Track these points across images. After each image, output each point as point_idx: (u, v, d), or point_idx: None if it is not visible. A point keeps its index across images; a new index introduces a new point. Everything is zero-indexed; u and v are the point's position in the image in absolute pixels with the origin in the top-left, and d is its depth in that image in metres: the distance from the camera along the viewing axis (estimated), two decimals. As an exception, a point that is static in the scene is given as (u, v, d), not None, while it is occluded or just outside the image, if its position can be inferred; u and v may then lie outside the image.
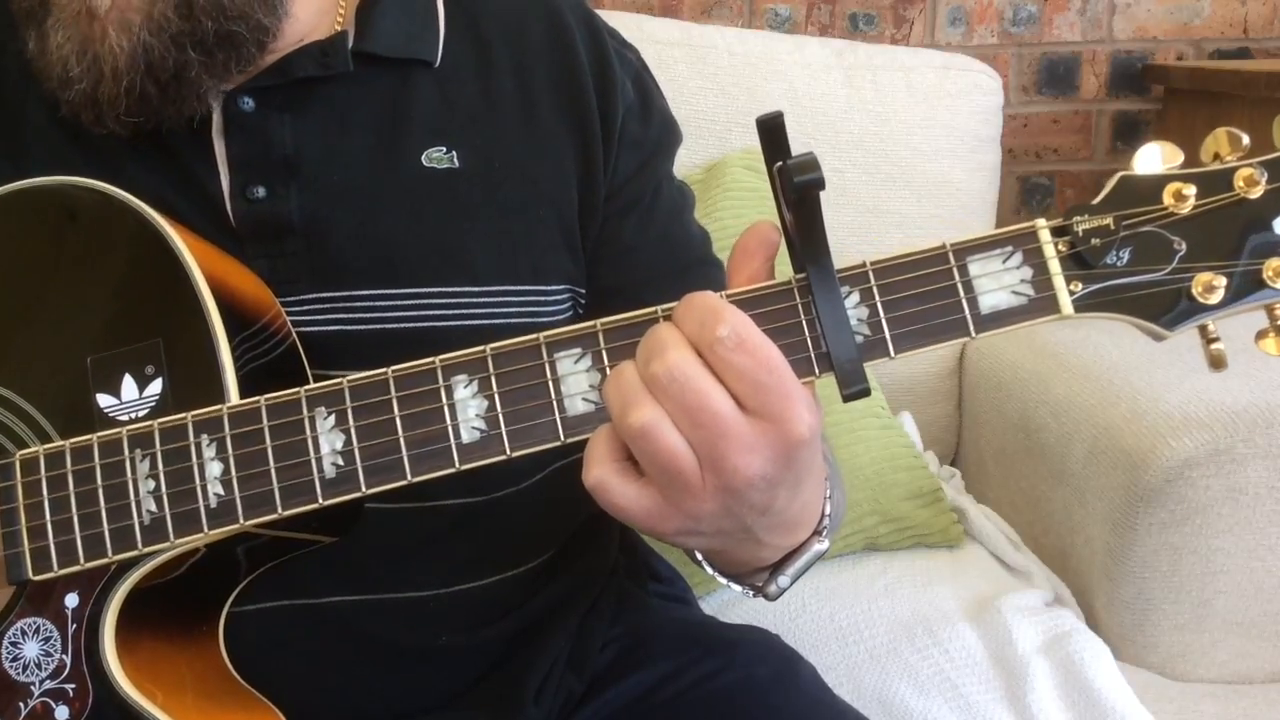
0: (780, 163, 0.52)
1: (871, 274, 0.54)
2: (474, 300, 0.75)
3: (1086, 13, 1.74)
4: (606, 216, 0.80)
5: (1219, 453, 1.04)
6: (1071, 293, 0.53)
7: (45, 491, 0.61)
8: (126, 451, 0.60)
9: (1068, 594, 1.17)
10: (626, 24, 1.32)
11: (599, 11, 0.88)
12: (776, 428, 0.51)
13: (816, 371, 0.54)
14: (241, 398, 0.61)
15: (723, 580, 0.65)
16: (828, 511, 0.62)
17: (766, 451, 0.52)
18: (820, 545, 0.62)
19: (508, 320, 0.75)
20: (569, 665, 0.80)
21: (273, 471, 0.58)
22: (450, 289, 0.74)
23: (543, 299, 0.77)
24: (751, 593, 0.65)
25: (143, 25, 0.67)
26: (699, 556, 0.63)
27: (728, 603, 1.15)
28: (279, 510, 0.58)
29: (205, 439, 0.59)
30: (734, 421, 0.51)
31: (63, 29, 0.67)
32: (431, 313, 0.74)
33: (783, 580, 0.62)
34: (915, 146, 1.44)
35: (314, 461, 0.58)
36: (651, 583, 0.93)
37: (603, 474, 0.53)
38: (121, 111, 0.68)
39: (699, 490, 0.52)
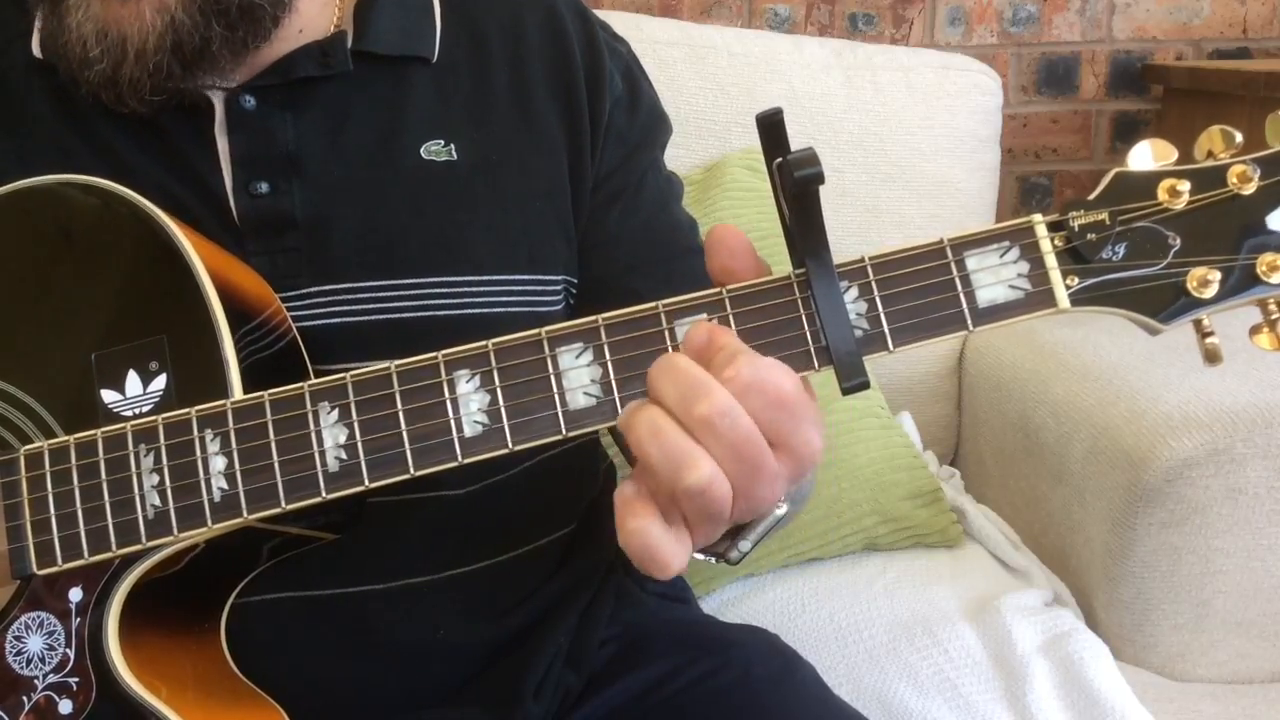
0: (780, 158, 0.53)
1: (870, 269, 0.55)
2: (474, 290, 0.75)
3: (1086, 13, 1.75)
4: (593, 205, 0.81)
5: (1218, 452, 1.05)
6: (1068, 287, 0.54)
7: (50, 486, 0.62)
8: (131, 446, 0.60)
9: (1067, 594, 1.17)
10: (625, 24, 1.32)
11: (598, 11, 0.89)
12: (795, 454, 0.52)
13: (816, 365, 0.55)
14: (244, 393, 0.61)
15: None
16: None
17: (786, 475, 0.52)
18: (779, 510, 0.60)
19: (507, 309, 0.76)
20: (567, 662, 0.80)
21: (276, 465, 0.58)
22: (451, 278, 0.75)
23: (541, 288, 0.78)
24: (714, 559, 0.65)
25: (178, 4, 0.67)
26: None
27: (727, 602, 1.15)
28: (282, 504, 0.58)
29: (209, 434, 0.59)
30: (769, 455, 0.51)
31: (83, 9, 0.67)
32: (432, 303, 0.74)
33: (744, 545, 0.62)
34: (915, 146, 1.44)
35: (317, 455, 0.58)
36: (650, 581, 0.93)
37: (644, 526, 0.51)
38: (145, 91, 0.69)
39: (726, 523, 0.53)
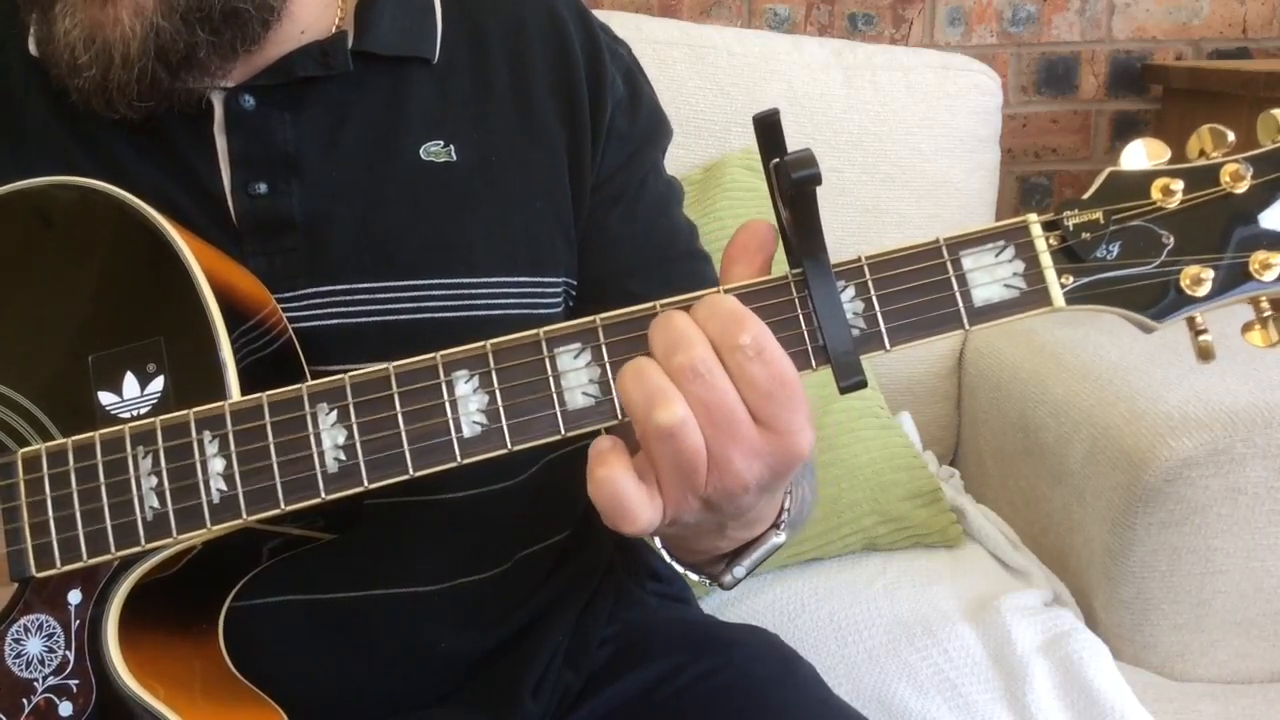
0: (777, 159, 0.53)
1: (866, 268, 0.55)
2: (473, 291, 0.75)
3: (1085, 13, 1.75)
4: (593, 207, 0.81)
5: (1218, 452, 1.05)
6: (1063, 285, 0.54)
7: (48, 489, 0.61)
8: (129, 448, 0.60)
9: (1067, 594, 1.17)
10: (625, 24, 1.33)
11: (597, 11, 0.89)
12: (781, 440, 0.52)
13: (814, 364, 0.55)
14: (241, 395, 0.61)
15: (679, 569, 0.66)
16: (787, 506, 0.63)
17: (769, 459, 0.53)
18: (777, 539, 0.63)
19: (506, 311, 0.76)
20: (566, 662, 0.80)
21: (275, 467, 0.58)
22: (449, 280, 0.75)
23: (541, 290, 0.78)
24: (708, 582, 0.65)
25: (155, 9, 0.67)
26: (657, 542, 0.64)
27: (727, 602, 1.15)
28: (281, 505, 0.58)
29: (208, 435, 0.59)
30: (746, 425, 0.52)
31: (70, 15, 0.67)
32: (431, 304, 0.74)
33: (738, 571, 0.63)
34: (914, 146, 1.44)
35: (316, 456, 0.58)
36: (650, 581, 0.93)
37: (614, 475, 0.52)
38: (133, 97, 0.69)
39: (699, 490, 0.53)
